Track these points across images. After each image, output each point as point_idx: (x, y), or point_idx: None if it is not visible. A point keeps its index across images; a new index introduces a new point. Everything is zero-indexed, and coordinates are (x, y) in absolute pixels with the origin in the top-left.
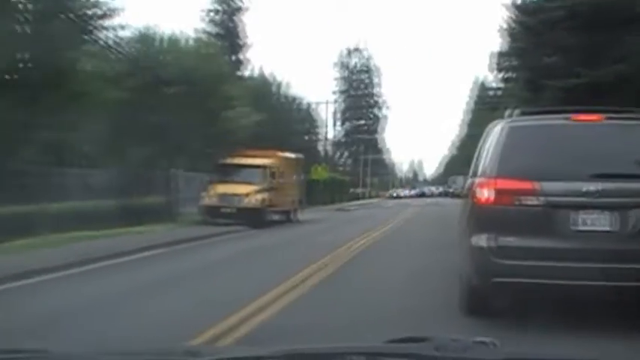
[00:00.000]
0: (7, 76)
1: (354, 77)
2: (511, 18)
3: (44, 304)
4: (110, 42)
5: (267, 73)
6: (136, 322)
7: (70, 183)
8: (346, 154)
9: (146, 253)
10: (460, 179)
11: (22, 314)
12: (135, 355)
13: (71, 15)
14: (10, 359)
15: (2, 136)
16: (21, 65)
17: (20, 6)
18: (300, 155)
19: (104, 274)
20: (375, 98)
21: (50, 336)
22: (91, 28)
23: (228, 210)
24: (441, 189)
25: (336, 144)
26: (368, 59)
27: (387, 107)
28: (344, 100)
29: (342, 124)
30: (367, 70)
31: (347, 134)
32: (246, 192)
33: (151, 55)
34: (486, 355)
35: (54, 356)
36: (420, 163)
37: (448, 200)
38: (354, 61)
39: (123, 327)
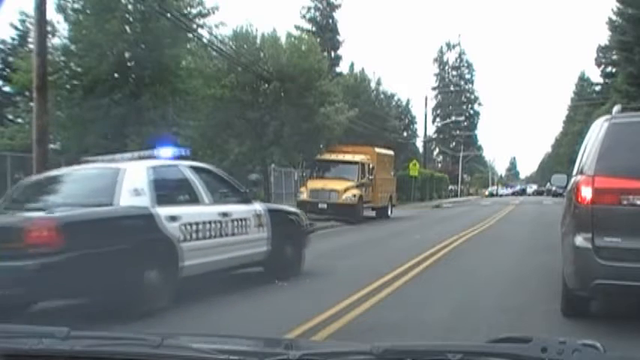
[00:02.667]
0: (116, 75)
1: (452, 73)
2: (613, 10)
3: None
4: (210, 39)
5: (362, 69)
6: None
7: None
8: (444, 150)
9: None
10: (563, 177)
11: None
12: (230, 344)
13: (175, 14)
14: (112, 345)
15: (109, 130)
16: (129, 64)
17: (130, 7)
18: (391, 152)
19: None
20: (472, 94)
21: None
22: (193, 26)
23: (325, 205)
24: (535, 187)
25: (433, 140)
26: (465, 55)
27: (480, 104)
28: (441, 96)
29: (440, 119)
30: (466, 65)
31: (444, 130)
32: (342, 188)
33: (250, 52)
34: (596, 359)
35: (150, 342)
36: (514, 160)
37: (549, 199)
38: (452, 56)
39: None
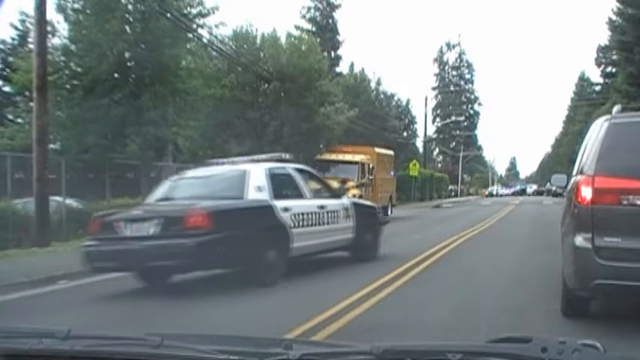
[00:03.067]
0: (116, 75)
1: (452, 73)
2: (613, 11)
3: None
4: (210, 39)
5: (362, 69)
6: None
7: (169, 177)
8: (444, 150)
9: None
10: (563, 177)
11: None
12: (230, 344)
13: (175, 14)
14: (112, 345)
15: (109, 130)
16: (129, 64)
17: (130, 7)
18: (390, 152)
19: None
20: (472, 94)
21: None
22: (193, 26)
23: None
24: (534, 187)
25: (433, 140)
26: (465, 55)
27: (480, 104)
28: (441, 96)
29: (440, 119)
30: (466, 65)
31: (444, 130)
32: None
33: (250, 52)
34: (596, 359)
35: (150, 342)
36: (514, 160)
37: (549, 199)
38: (452, 56)
39: None
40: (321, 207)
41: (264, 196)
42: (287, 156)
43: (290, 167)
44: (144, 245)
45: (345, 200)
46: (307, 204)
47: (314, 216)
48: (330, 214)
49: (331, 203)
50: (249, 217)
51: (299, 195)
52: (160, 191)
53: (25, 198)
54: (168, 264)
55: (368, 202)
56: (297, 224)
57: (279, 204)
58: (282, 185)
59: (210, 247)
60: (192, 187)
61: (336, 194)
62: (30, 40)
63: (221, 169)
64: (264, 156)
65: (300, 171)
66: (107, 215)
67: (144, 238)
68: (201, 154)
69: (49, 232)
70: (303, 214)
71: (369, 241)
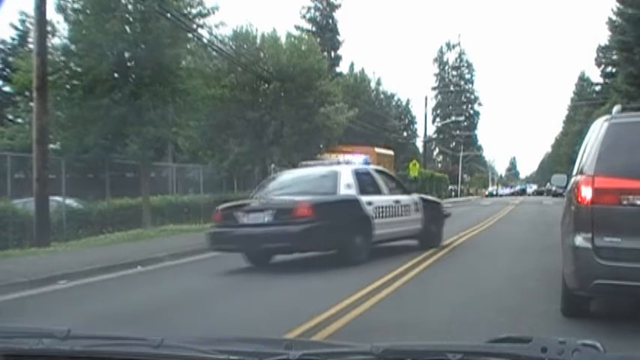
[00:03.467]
0: (116, 75)
1: (452, 73)
2: (613, 11)
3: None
4: (210, 39)
5: (362, 69)
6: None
7: (169, 177)
8: (444, 150)
9: None
10: (563, 177)
11: None
12: (231, 345)
13: (175, 14)
14: (112, 345)
15: (109, 130)
16: (129, 64)
17: (130, 7)
18: (390, 152)
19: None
20: (472, 94)
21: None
22: (193, 26)
23: None
24: (534, 187)
25: (433, 140)
26: (465, 55)
27: (480, 104)
28: (441, 96)
29: (440, 119)
30: (466, 65)
31: (444, 130)
32: None
33: (250, 52)
34: (596, 359)
35: (150, 342)
36: (514, 160)
37: (549, 199)
38: (452, 56)
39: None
40: (396, 201)
41: (352, 192)
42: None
43: (370, 168)
44: (260, 231)
45: (415, 196)
46: (385, 199)
47: (390, 209)
48: (403, 207)
49: (404, 198)
50: (341, 209)
51: (378, 191)
52: (267, 187)
53: (25, 198)
54: (279, 246)
55: (434, 198)
56: (377, 215)
57: (364, 199)
58: (365, 183)
59: (313, 232)
60: (293, 184)
61: (408, 191)
62: (30, 40)
63: (315, 170)
64: (348, 157)
65: (378, 171)
66: (228, 207)
67: (259, 225)
68: (201, 154)
69: (49, 232)
70: (382, 207)
71: (434, 231)
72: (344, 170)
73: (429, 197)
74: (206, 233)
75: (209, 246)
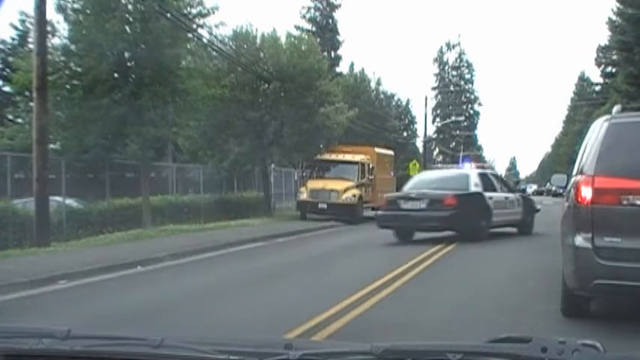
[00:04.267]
0: (116, 75)
1: (452, 73)
2: (613, 11)
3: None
4: (210, 39)
5: (362, 69)
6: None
7: (169, 177)
8: (444, 150)
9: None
10: (563, 177)
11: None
12: (231, 345)
13: (175, 14)
14: (112, 345)
15: (109, 130)
16: (129, 64)
17: (130, 7)
18: (390, 151)
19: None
20: (472, 94)
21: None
22: (193, 26)
23: (325, 205)
24: (534, 187)
25: (433, 140)
26: (465, 55)
27: (480, 104)
28: (441, 96)
29: (440, 119)
30: (466, 65)
31: (444, 130)
32: (342, 188)
33: (250, 52)
34: (596, 359)
35: (150, 342)
36: (514, 160)
37: (549, 199)
38: (452, 56)
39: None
40: (506, 198)
41: (479, 189)
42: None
43: (488, 172)
44: (417, 214)
45: (517, 194)
46: (499, 195)
47: (502, 202)
48: (510, 202)
49: (510, 196)
50: (473, 201)
51: (494, 189)
52: (412, 183)
53: (25, 198)
54: (431, 225)
55: (529, 197)
56: (495, 207)
57: (486, 194)
58: (486, 183)
59: (456, 217)
60: (435, 182)
61: (513, 190)
62: (30, 40)
63: (449, 172)
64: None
65: (493, 175)
66: (392, 197)
67: (416, 210)
68: (201, 154)
69: (49, 232)
70: (497, 201)
71: (528, 221)
72: (472, 173)
73: (526, 196)
74: (375, 214)
75: (377, 224)
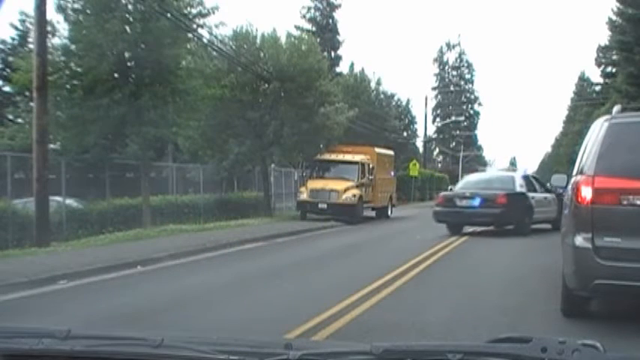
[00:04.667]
0: (116, 75)
1: (452, 73)
2: (613, 11)
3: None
4: (210, 39)
5: (362, 69)
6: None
7: (169, 177)
8: (444, 150)
9: (278, 240)
10: (563, 177)
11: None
12: (231, 345)
13: (175, 14)
14: (112, 345)
15: (109, 130)
16: (129, 64)
17: (130, 7)
18: (390, 151)
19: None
20: (472, 94)
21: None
22: (193, 26)
23: (325, 205)
24: None
25: (433, 140)
26: (465, 55)
27: (480, 104)
28: (441, 96)
29: (440, 119)
30: (466, 65)
31: (444, 130)
32: (342, 188)
33: (250, 52)
34: (596, 359)
35: (150, 342)
36: (514, 160)
37: None
38: (452, 56)
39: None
40: (545, 197)
41: (523, 189)
42: (528, 171)
43: (529, 175)
44: (471, 211)
45: (553, 194)
46: (539, 195)
47: (542, 202)
48: (547, 201)
49: (548, 195)
50: (519, 199)
51: (535, 190)
52: (462, 184)
53: (25, 198)
54: (484, 220)
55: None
56: (536, 205)
57: (529, 194)
58: (528, 184)
59: (505, 213)
60: (484, 182)
61: (549, 190)
62: (30, 40)
63: (495, 174)
64: (509, 167)
65: (534, 177)
66: (447, 195)
67: (470, 207)
68: (201, 154)
69: (49, 232)
70: (538, 200)
71: (560, 218)
72: (517, 175)
73: (560, 196)
74: (432, 210)
75: (434, 218)
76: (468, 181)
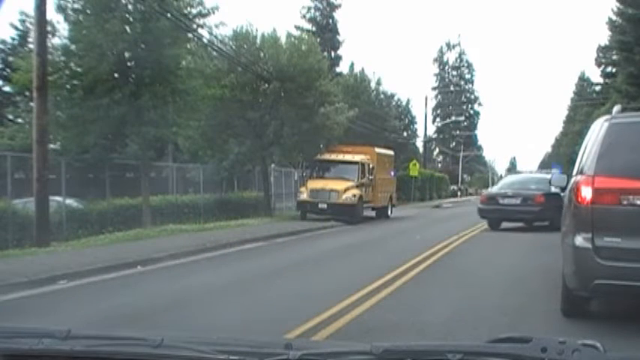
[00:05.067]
0: (116, 75)
1: (452, 73)
2: (613, 11)
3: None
4: (210, 39)
5: (362, 69)
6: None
7: (169, 177)
8: (444, 150)
9: (280, 240)
10: (563, 177)
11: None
12: (231, 345)
13: (175, 14)
14: (112, 345)
15: (109, 130)
16: (129, 64)
17: (130, 7)
18: (390, 151)
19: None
20: (472, 94)
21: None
22: (193, 26)
23: (325, 205)
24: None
25: (433, 140)
26: (465, 55)
27: (480, 104)
28: (441, 96)
29: (440, 119)
30: (466, 65)
31: (444, 130)
32: (342, 188)
33: (250, 52)
34: (596, 359)
35: (150, 342)
36: (514, 160)
37: None
38: (452, 56)
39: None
40: None
41: (556, 189)
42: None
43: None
44: (512, 208)
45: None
46: None
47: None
48: None
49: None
50: (553, 199)
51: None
52: (502, 184)
53: (25, 198)
54: (524, 217)
55: None
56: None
57: (562, 194)
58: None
59: (543, 211)
60: (522, 183)
61: None
62: (30, 40)
63: (532, 175)
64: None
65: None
66: (490, 194)
67: (512, 205)
68: (201, 154)
69: (49, 232)
70: None
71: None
72: (547, 177)
73: None
74: (477, 207)
75: (479, 214)
76: (508, 181)
